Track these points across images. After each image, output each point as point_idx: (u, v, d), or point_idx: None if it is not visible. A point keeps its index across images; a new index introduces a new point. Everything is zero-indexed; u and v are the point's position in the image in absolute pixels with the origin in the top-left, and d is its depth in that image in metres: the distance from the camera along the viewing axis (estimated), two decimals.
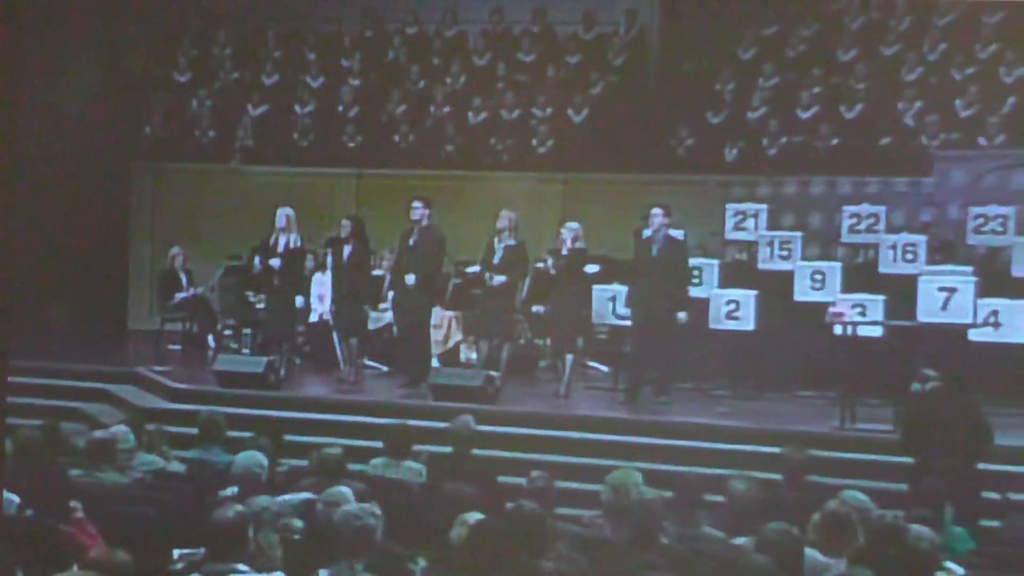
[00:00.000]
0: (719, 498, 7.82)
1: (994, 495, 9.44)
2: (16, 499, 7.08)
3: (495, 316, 13.40)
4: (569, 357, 13.01)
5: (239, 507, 6.20)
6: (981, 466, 9.44)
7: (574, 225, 12.98)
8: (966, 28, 16.45)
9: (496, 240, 13.26)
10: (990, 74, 15.81)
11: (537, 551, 6.08)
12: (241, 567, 5.77)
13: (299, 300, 13.90)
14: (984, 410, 9.72)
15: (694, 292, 13.16)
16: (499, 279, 13.18)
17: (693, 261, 13.49)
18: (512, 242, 13.26)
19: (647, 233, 12.64)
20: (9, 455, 7.49)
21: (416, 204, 13.30)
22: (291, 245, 13.88)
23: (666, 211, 12.54)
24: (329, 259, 14.88)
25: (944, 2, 16.66)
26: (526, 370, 14.37)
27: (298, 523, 6.66)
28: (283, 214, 13.86)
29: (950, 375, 9.85)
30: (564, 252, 12.94)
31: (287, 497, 7.36)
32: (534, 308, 14.04)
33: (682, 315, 12.36)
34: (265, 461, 7.73)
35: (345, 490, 6.97)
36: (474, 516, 6.07)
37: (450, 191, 16.36)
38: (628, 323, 12.98)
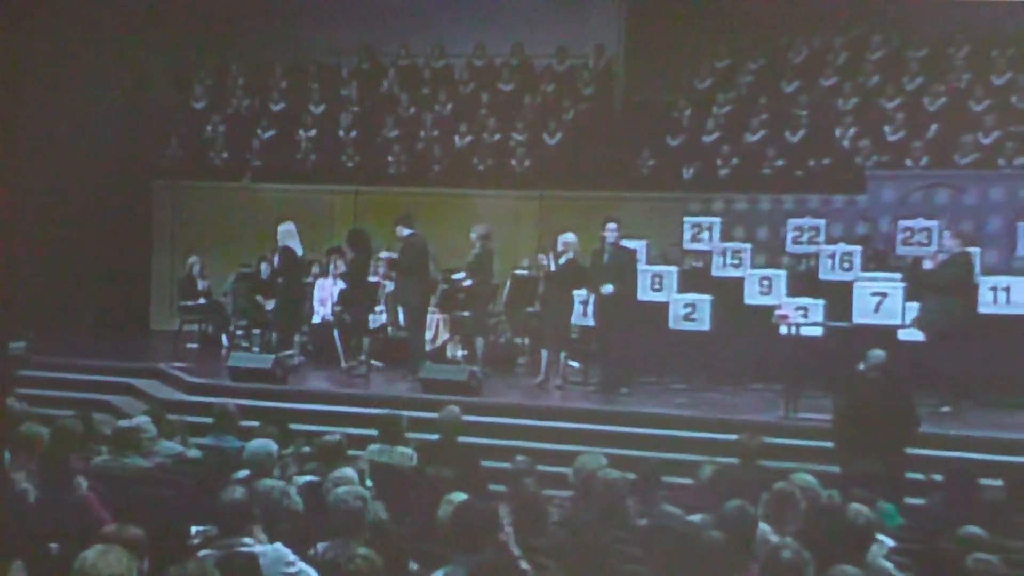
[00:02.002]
0: (677, 479, 7.83)
1: (919, 476, 9.46)
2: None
3: (471, 314, 13.82)
4: (544, 353, 13.03)
5: (244, 488, 6.18)
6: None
7: (570, 238, 12.92)
8: (894, 63, 16.55)
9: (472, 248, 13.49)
10: (915, 104, 15.89)
11: (532, 527, 6.08)
12: (247, 540, 5.76)
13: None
14: (913, 401, 9.76)
15: (657, 296, 13.19)
16: (467, 282, 13.75)
17: (656, 268, 13.51)
18: (478, 250, 13.44)
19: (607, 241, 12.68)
20: (46, 442, 7.46)
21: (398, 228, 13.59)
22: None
23: (618, 224, 12.59)
24: (331, 267, 14.89)
25: (875, 40, 16.74)
26: (507, 366, 14.37)
27: (299, 503, 6.63)
28: (282, 229, 13.92)
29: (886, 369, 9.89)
30: (561, 261, 12.90)
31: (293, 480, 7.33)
32: (529, 309, 14.08)
33: (608, 288, 12.33)
34: (275, 448, 7.71)
35: (351, 472, 6.95)
36: (459, 496, 6.07)
37: (438, 206, 16.39)
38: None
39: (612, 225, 12.58)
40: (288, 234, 14.07)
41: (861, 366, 9.79)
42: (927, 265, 11.90)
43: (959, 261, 11.72)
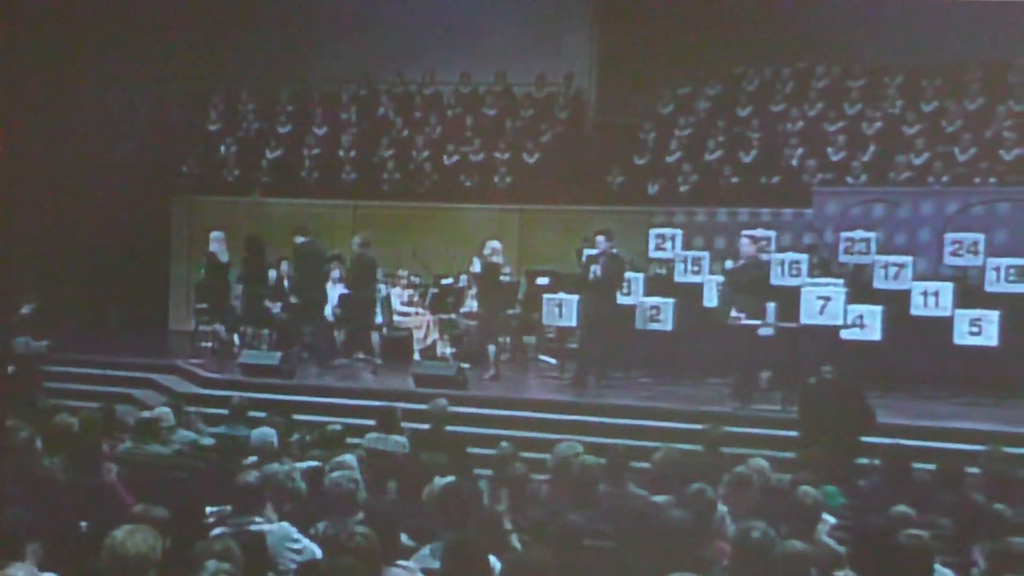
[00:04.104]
0: (643, 464, 7.83)
1: (865, 460, 9.48)
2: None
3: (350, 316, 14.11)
4: (491, 348, 13.06)
5: (256, 472, 6.18)
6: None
7: (496, 244, 13.05)
8: (837, 91, 16.64)
9: None
10: (855, 128, 15.98)
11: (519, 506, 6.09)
12: (257, 519, 5.75)
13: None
14: (864, 395, 9.79)
15: (625, 300, 13.19)
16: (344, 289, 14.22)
17: (625, 275, 13.50)
18: (357, 257, 13.77)
19: (593, 252, 12.71)
20: (76, 431, 7.44)
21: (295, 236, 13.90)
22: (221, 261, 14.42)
23: (608, 235, 12.64)
24: (336, 272, 14.80)
25: (819, 71, 16.84)
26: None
27: (303, 486, 6.63)
28: (212, 236, 14.33)
29: (841, 370, 9.93)
30: (483, 265, 13.04)
31: (296, 465, 7.32)
32: (509, 311, 14.09)
33: (595, 268, 12.43)
34: (274, 435, 7.69)
35: (350, 458, 6.95)
36: (445, 480, 6.08)
37: (428, 219, 16.41)
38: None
39: (600, 238, 12.65)
40: (216, 241, 14.31)
41: (812, 380, 9.84)
42: (728, 265, 12.34)
43: (756, 265, 12.11)
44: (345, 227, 17.09)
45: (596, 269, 12.39)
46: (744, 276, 11.91)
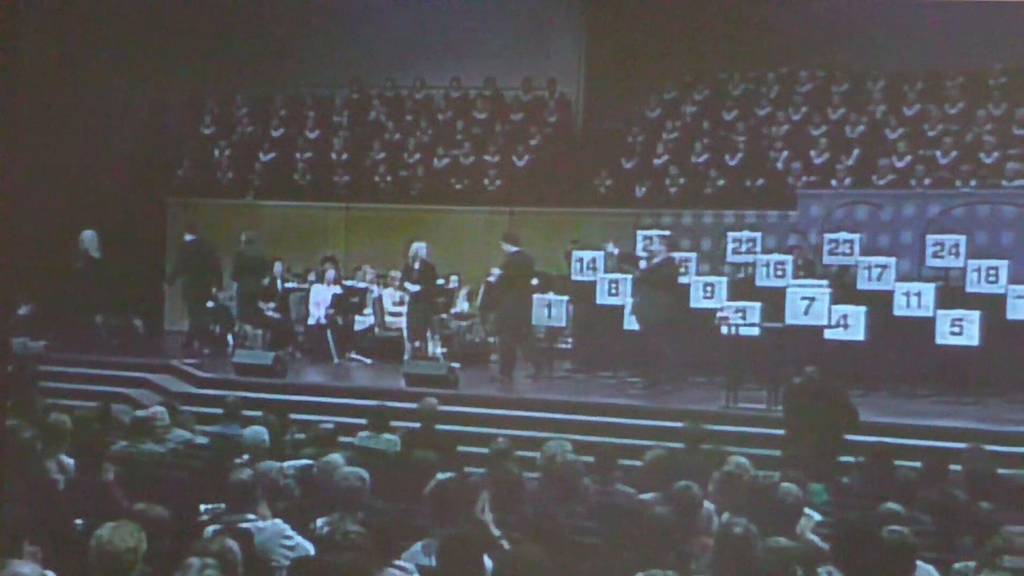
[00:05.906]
0: (631, 462, 7.83)
1: (849, 458, 9.48)
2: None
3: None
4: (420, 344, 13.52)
5: (250, 471, 6.16)
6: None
7: (423, 245, 13.18)
8: (820, 95, 16.68)
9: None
10: (839, 131, 16.01)
11: (509, 504, 6.08)
12: (250, 516, 5.73)
13: None
14: (847, 395, 9.79)
15: (614, 301, 13.18)
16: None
17: (613, 276, 13.49)
18: (244, 252, 14.28)
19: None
20: (69, 430, 7.41)
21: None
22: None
23: (510, 239, 12.95)
24: (330, 274, 14.79)
25: (802, 76, 16.88)
26: (480, 362, 14.33)
27: (294, 485, 6.61)
28: (84, 236, 14.88)
29: (825, 370, 9.93)
30: (416, 266, 13.21)
31: (289, 463, 7.31)
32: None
33: (495, 271, 12.92)
34: (266, 434, 7.67)
35: (337, 457, 6.93)
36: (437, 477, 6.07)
37: (419, 221, 16.38)
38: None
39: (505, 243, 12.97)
40: (89, 240, 14.84)
41: (797, 380, 9.84)
42: (643, 265, 12.46)
43: (668, 264, 12.32)
44: (337, 229, 17.10)
45: (498, 271, 12.71)
46: (657, 275, 12.10)
